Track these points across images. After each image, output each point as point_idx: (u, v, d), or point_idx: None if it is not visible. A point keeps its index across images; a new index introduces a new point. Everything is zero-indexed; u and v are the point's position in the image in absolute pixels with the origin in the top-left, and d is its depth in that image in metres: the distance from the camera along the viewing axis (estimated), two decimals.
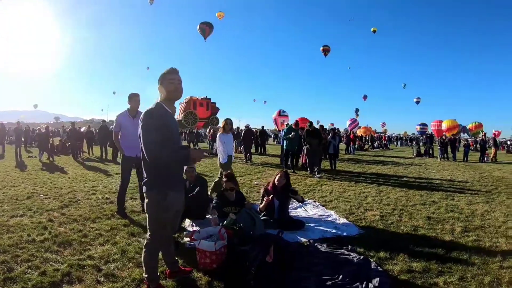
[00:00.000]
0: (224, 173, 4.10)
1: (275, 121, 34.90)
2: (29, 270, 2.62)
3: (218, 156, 5.28)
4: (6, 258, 2.82)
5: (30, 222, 3.84)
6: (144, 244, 2.28)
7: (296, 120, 12.29)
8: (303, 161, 10.15)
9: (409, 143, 37.14)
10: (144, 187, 2.16)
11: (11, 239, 3.27)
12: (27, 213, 4.25)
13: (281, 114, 35.83)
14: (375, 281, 2.51)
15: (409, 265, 2.88)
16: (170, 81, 2.13)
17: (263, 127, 19.25)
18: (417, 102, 45.99)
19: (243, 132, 13.98)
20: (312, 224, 4.15)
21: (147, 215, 2.19)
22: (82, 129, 18.34)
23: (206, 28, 29.44)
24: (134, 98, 4.43)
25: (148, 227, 2.24)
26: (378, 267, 2.79)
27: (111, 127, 14.42)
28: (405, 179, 8.68)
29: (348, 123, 34.90)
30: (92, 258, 2.88)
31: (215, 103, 51.74)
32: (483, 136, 18.46)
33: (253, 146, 15.19)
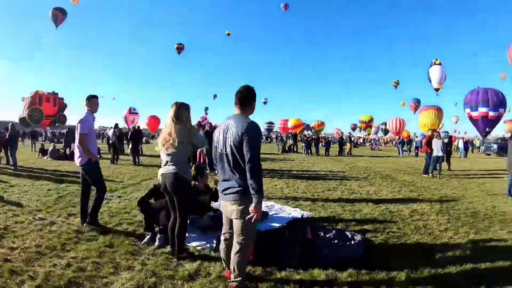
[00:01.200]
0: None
1: (125, 118, 33.66)
2: None
3: None
4: None
5: None
6: (238, 249, 2.44)
7: (199, 121, 12.80)
8: (203, 161, 10.41)
9: (273, 141, 43.74)
10: (237, 194, 2.39)
11: None
12: None
13: (132, 112, 34.10)
14: (357, 237, 3.62)
15: (362, 227, 4.27)
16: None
17: (134, 126, 17.66)
18: (265, 103, 51.30)
19: (130, 132, 13.78)
20: (270, 213, 4.84)
21: (241, 221, 2.40)
22: None
23: (59, 15, 25.08)
24: (93, 100, 4.25)
25: (240, 232, 2.43)
26: (352, 232, 3.93)
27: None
28: (294, 172, 10.27)
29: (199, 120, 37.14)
30: None
31: (63, 99, 43.01)
32: (341, 135, 24.87)
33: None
